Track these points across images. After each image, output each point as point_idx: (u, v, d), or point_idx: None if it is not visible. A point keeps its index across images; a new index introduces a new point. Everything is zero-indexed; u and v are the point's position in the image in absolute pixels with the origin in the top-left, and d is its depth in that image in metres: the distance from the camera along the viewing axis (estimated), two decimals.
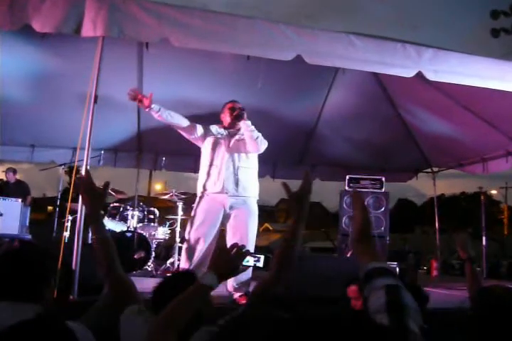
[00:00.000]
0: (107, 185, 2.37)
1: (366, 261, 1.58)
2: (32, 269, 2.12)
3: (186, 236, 5.28)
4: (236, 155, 5.45)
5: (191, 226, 5.27)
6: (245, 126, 5.44)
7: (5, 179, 9.76)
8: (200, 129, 5.56)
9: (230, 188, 5.32)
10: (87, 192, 2.27)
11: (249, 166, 5.55)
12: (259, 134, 5.44)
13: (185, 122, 5.53)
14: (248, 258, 2.02)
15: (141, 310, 2.06)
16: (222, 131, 5.57)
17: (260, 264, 2.04)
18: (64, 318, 1.75)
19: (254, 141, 5.40)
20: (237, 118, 5.44)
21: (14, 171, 9.66)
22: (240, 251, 1.95)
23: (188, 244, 5.21)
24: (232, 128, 5.58)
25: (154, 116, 5.36)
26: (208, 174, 5.42)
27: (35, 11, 4.09)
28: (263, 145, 5.48)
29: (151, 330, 1.70)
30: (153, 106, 5.25)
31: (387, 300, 1.39)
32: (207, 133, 5.57)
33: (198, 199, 5.47)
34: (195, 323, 1.78)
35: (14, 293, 2.03)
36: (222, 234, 5.46)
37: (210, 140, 5.53)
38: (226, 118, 5.59)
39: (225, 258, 1.91)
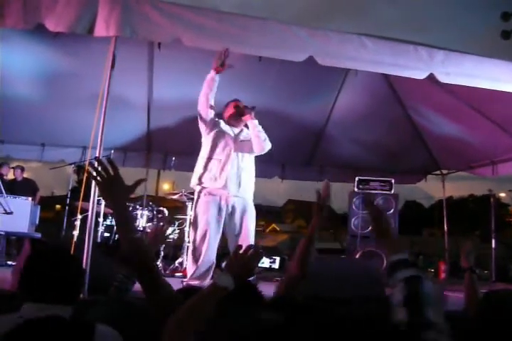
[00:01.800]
0: (141, 180, 2.15)
1: (388, 253, 1.60)
2: (68, 272, 2.12)
3: (191, 239, 5.28)
4: (240, 155, 5.44)
5: (195, 229, 5.25)
6: (253, 126, 5.45)
7: (13, 176, 9.77)
8: (212, 114, 5.49)
9: (233, 188, 5.30)
10: (108, 187, 2.02)
11: (250, 168, 5.55)
12: (266, 135, 5.46)
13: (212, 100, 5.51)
14: (264, 259, 2.02)
15: None
16: (228, 128, 5.53)
17: (276, 266, 2.05)
18: (94, 320, 1.74)
19: (262, 141, 5.43)
20: (241, 114, 5.48)
21: (22, 169, 9.67)
22: (256, 253, 1.95)
23: (194, 246, 5.20)
24: (236, 127, 5.59)
25: (210, 80, 5.46)
26: (208, 168, 5.34)
27: (48, 11, 4.11)
28: (268, 146, 5.50)
29: (166, 332, 1.70)
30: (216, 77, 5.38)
31: (406, 293, 1.40)
32: (215, 124, 5.51)
33: (196, 196, 5.40)
34: None
35: (49, 296, 2.03)
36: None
37: (216, 133, 5.46)
38: (230, 116, 5.57)
39: (241, 260, 1.91)
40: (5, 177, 9.24)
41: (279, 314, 1.51)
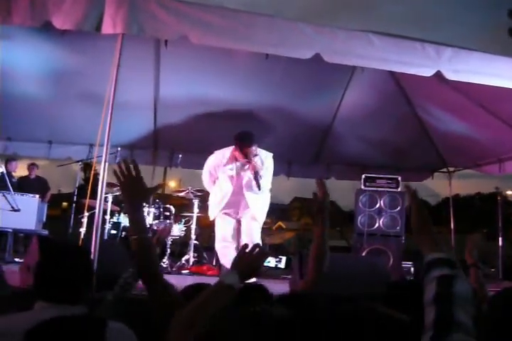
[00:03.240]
0: (160, 185, 2.30)
1: (426, 251, 1.57)
2: (80, 272, 2.13)
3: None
4: (244, 184, 5.76)
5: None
6: (255, 177, 5.73)
7: (25, 173, 9.79)
8: (215, 175, 5.95)
9: (240, 210, 5.85)
10: (130, 186, 2.11)
11: (259, 195, 5.81)
12: (266, 183, 5.80)
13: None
14: (270, 258, 2.02)
15: None
16: (232, 166, 5.77)
17: (282, 265, 2.05)
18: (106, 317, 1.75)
19: (257, 188, 5.74)
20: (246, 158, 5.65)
21: (37, 167, 9.71)
22: (262, 252, 1.95)
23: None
24: (242, 159, 5.74)
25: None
26: (215, 201, 5.90)
27: (55, 8, 4.11)
28: (264, 190, 5.83)
29: (171, 329, 1.70)
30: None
31: (436, 291, 1.38)
32: (216, 169, 5.89)
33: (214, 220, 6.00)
34: None
35: (62, 295, 2.04)
36: None
37: (220, 174, 5.86)
38: (239, 153, 5.70)
39: (248, 259, 1.91)
40: (13, 173, 9.25)
41: (290, 309, 1.51)
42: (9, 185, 6.75)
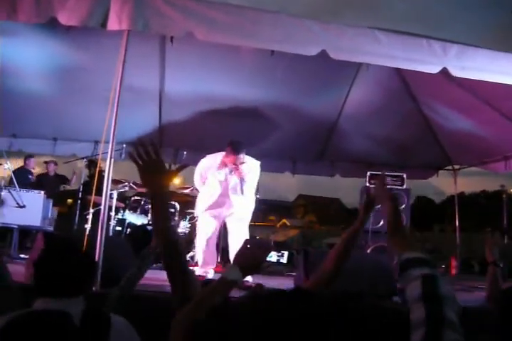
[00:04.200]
0: (183, 167, 2.15)
1: (401, 250, 1.59)
2: (78, 266, 2.12)
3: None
4: (232, 187, 5.91)
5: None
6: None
7: (45, 171, 9.78)
8: (204, 176, 6.13)
9: (226, 210, 5.99)
10: (150, 170, 1.91)
11: (244, 195, 5.96)
12: (249, 189, 5.97)
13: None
14: (272, 253, 1.99)
15: None
16: (221, 171, 5.94)
17: (284, 260, 2.02)
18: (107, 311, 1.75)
19: (241, 192, 5.94)
20: (238, 175, 5.88)
21: (55, 163, 9.69)
22: (264, 247, 1.94)
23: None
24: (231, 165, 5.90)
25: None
26: (207, 198, 6.06)
27: (60, 4, 4.12)
28: (247, 195, 5.99)
29: (173, 323, 1.69)
30: None
31: (423, 290, 1.39)
32: (207, 172, 6.08)
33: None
34: None
35: (60, 290, 2.05)
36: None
37: (210, 176, 6.04)
38: (228, 158, 5.86)
39: (250, 254, 1.90)
40: (32, 170, 9.25)
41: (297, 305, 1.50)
42: (15, 181, 6.76)
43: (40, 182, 9.16)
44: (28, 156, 9.17)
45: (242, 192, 5.89)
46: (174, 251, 1.91)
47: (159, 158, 1.90)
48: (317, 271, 2.32)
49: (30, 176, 9.16)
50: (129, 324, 1.94)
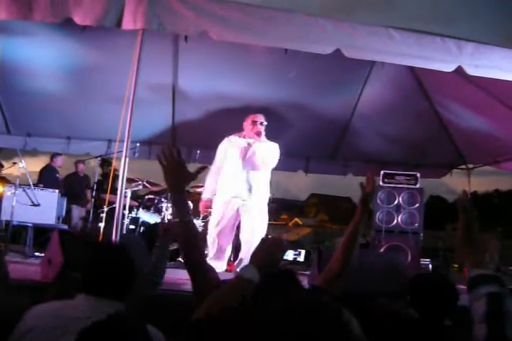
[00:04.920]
0: (203, 168, 2.34)
1: (470, 266, 1.56)
2: (127, 268, 2.20)
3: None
4: (251, 165, 5.88)
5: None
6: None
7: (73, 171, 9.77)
8: (224, 158, 6.07)
9: (244, 194, 5.85)
10: (172, 171, 2.10)
11: (262, 176, 5.98)
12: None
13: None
14: (288, 252, 1.99)
15: None
16: (241, 141, 5.97)
17: (301, 258, 2.02)
18: (144, 319, 1.76)
19: (264, 166, 5.95)
20: (257, 134, 5.89)
21: (83, 163, 9.68)
22: (281, 245, 1.95)
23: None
24: (251, 138, 5.94)
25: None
26: (225, 181, 5.96)
27: (75, 4, 4.15)
28: (272, 165, 5.99)
29: (190, 323, 1.70)
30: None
31: (487, 309, 1.36)
32: (227, 149, 6.06)
33: (214, 204, 6.09)
34: None
35: (104, 289, 2.15)
36: None
37: (230, 151, 6.00)
38: (247, 128, 5.98)
39: (266, 252, 1.90)
40: (58, 168, 9.28)
41: None
42: (29, 179, 6.81)
43: (69, 183, 9.17)
44: (55, 154, 9.15)
45: (262, 165, 5.87)
46: (193, 243, 2.03)
47: (181, 160, 2.10)
48: (325, 270, 2.36)
49: (57, 175, 9.20)
50: (163, 337, 1.96)
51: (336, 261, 2.33)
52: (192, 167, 2.30)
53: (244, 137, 6.02)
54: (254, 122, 5.93)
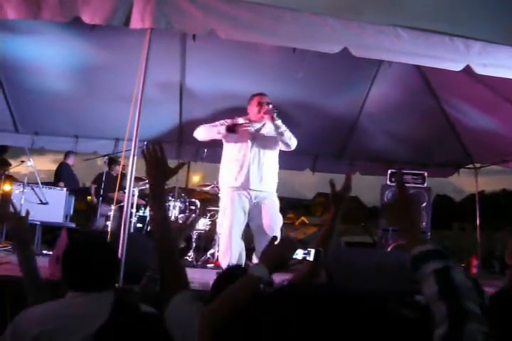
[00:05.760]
0: (182, 164, 2.38)
1: (412, 244, 1.51)
2: (105, 260, 2.22)
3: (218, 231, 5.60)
4: (261, 151, 5.59)
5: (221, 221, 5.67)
6: (275, 127, 5.55)
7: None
8: (219, 135, 5.71)
9: (254, 184, 5.50)
10: (154, 165, 2.15)
11: (273, 162, 5.68)
12: (290, 133, 5.56)
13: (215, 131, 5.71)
14: (298, 251, 2.00)
15: (194, 298, 2.01)
16: (250, 125, 5.66)
17: (310, 258, 2.02)
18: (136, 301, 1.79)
19: (287, 140, 5.56)
20: (266, 113, 5.55)
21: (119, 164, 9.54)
22: (291, 244, 1.96)
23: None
24: (258, 122, 5.71)
25: (216, 133, 5.71)
26: (228, 170, 5.64)
27: (84, 3, 4.16)
28: (294, 144, 5.62)
29: (201, 321, 1.71)
30: None
31: (438, 287, 1.34)
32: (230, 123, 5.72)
33: (221, 193, 5.78)
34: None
35: (88, 284, 2.16)
36: None
37: (233, 138, 5.66)
38: (253, 111, 5.70)
39: (276, 251, 1.91)
40: (72, 166, 9.27)
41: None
42: (38, 178, 6.85)
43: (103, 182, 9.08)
44: (69, 152, 9.13)
45: (278, 123, 5.48)
46: (165, 236, 2.05)
47: (163, 156, 2.14)
48: (297, 272, 2.35)
49: (73, 172, 9.22)
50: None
51: (306, 265, 2.33)
52: (198, 166, 2.37)
53: (250, 121, 5.70)
54: (260, 104, 5.61)
